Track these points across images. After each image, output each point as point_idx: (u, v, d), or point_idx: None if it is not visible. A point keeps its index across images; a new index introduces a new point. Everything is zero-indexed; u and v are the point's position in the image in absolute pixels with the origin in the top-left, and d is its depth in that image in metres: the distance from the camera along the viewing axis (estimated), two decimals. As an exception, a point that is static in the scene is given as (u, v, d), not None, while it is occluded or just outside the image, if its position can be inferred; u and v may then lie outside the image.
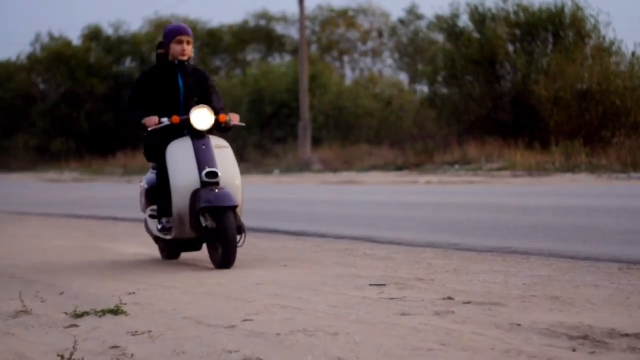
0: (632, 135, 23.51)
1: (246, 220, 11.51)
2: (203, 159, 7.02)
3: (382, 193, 17.78)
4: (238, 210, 6.98)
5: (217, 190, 6.89)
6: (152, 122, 7.12)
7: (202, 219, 6.85)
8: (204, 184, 6.94)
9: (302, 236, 9.30)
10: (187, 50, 7.32)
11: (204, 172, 6.95)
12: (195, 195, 6.90)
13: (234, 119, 7.44)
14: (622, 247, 7.11)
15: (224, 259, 6.76)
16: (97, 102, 46.35)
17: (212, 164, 7.00)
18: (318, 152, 32.16)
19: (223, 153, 7.18)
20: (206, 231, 6.84)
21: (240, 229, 6.86)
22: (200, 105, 7.22)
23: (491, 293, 5.16)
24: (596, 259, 6.51)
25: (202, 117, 7.16)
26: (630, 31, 58.43)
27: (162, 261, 7.64)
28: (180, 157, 7.07)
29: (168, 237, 7.25)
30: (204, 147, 7.09)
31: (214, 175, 6.96)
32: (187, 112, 7.24)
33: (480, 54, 29.16)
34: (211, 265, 7.03)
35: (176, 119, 7.13)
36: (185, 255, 7.86)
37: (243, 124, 7.61)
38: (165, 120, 7.14)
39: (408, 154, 29.18)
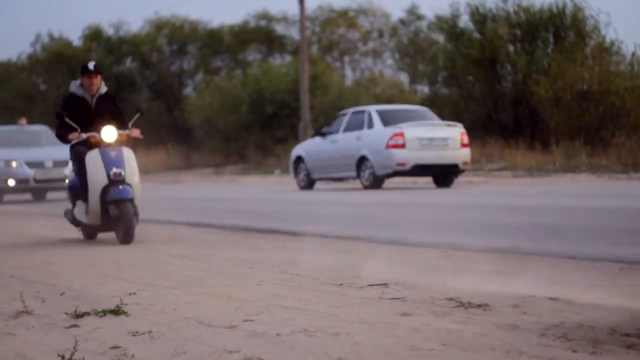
0: (632, 136, 23.53)
1: (247, 220, 11.53)
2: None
3: (382, 193, 17.77)
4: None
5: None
6: None
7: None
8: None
9: (302, 236, 9.31)
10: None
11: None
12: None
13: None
14: (622, 247, 7.11)
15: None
16: (97, 102, 46.32)
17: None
18: (318, 152, 32.10)
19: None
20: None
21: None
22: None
23: (491, 293, 5.17)
24: (596, 259, 6.51)
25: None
26: (630, 31, 58.46)
27: (161, 261, 7.65)
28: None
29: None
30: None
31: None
32: None
33: (481, 54, 29.17)
34: (210, 265, 7.05)
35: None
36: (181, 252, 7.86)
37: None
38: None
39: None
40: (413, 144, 18.55)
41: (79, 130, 9.50)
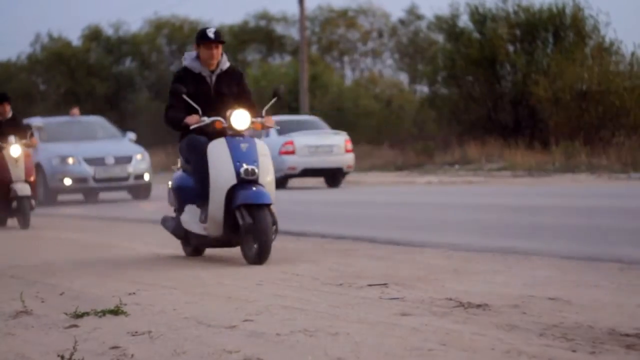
0: (631, 135, 23.52)
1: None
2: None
3: (382, 193, 17.78)
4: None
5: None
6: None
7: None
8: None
9: (302, 236, 9.30)
10: None
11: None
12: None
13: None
14: (622, 247, 7.11)
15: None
16: (97, 102, 46.35)
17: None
18: (318, 152, 32.12)
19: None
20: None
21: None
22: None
23: (491, 293, 5.16)
24: (596, 259, 6.51)
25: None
26: (629, 31, 58.44)
27: (161, 261, 7.64)
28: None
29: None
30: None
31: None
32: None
33: (481, 54, 29.15)
34: (210, 265, 7.04)
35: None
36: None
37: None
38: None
39: (408, 154, 29.19)
40: (302, 150, 20.98)
41: (200, 112, 7.33)
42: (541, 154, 24.44)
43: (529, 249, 7.19)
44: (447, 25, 31.38)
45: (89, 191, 18.52)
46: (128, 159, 18.03)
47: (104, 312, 4.99)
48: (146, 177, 18.08)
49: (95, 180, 17.78)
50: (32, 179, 12.05)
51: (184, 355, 3.97)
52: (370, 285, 5.64)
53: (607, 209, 10.81)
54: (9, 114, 12.21)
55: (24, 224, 11.87)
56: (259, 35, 47.94)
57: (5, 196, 11.85)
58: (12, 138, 11.86)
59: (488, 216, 10.66)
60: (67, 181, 17.66)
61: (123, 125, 43.98)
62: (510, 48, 29.29)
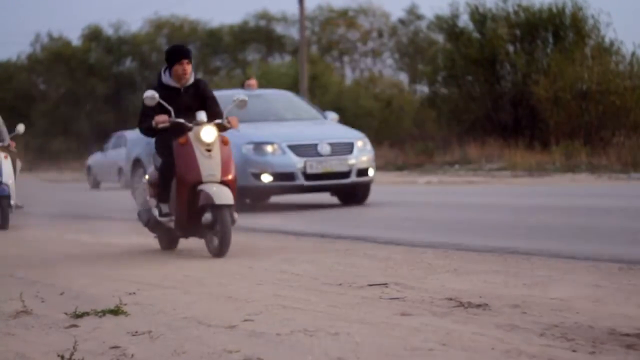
0: (631, 135, 23.53)
1: (245, 220, 11.49)
2: None
3: (382, 193, 17.78)
4: None
5: None
6: None
7: None
8: None
9: (302, 236, 9.30)
10: None
11: None
12: None
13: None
14: (622, 247, 7.11)
15: None
16: (97, 102, 46.39)
17: None
18: (318, 152, 32.11)
19: None
20: None
21: None
22: None
23: (491, 293, 5.16)
24: (596, 259, 6.51)
25: None
26: (630, 31, 58.48)
27: (161, 261, 7.62)
28: None
29: None
30: None
31: None
32: None
33: (480, 53, 29.16)
34: (210, 265, 7.04)
35: None
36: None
37: None
38: None
39: (408, 154, 29.20)
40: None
41: None
42: (541, 153, 24.44)
43: (529, 249, 7.19)
44: (447, 25, 31.39)
45: (296, 191, 13.18)
46: (348, 148, 12.95)
47: (104, 312, 4.99)
48: (370, 172, 13.13)
49: (306, 176, 12.70)
50: (230, 177, 7.74)
51: (184, 355, 3.97)
52: (370, 285, 5.64)
53: (607, 209, 10.80)
54: (191, 79, 8.08)
55: (221, 247, 7.53)
56: (259, 35, 48.00)
57: (190, 204, 7.68)
58: (202, 115, 7.82)
59: (488, 216, 10.66)
60: (266, 178, 12.67)
61: (124, 126, 44.17)
62: (510, 48, 29.30)
